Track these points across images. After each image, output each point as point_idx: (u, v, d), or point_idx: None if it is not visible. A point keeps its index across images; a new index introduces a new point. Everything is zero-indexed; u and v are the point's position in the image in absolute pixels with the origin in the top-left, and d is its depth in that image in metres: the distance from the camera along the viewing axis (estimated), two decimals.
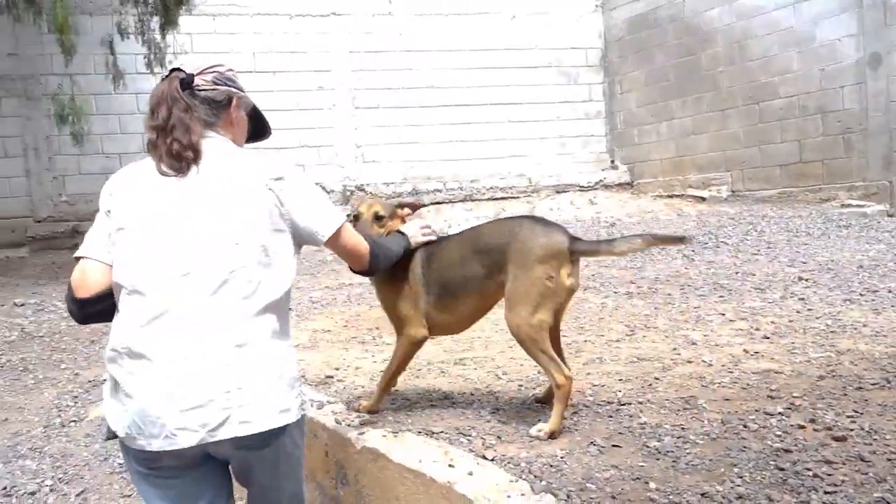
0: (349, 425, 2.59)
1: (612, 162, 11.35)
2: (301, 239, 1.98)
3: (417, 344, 2.74)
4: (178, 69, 2.02)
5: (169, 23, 8.45)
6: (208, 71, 2.02)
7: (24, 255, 8.90)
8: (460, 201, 10.42)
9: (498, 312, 4.64)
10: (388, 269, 2.59)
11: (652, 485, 1.89)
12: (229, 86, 2.06)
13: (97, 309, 1.92)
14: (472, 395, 2.97)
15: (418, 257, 2.71)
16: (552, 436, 2.33)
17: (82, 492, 3.86)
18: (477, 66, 10.90)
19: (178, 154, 1.87)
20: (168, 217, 1.85)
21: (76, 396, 4.80)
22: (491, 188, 10.61)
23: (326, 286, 6.76)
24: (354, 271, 2.33)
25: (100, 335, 5.79)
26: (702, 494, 1.80)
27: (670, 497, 1.80)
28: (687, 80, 10.18)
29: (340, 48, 10.48)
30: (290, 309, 2.07)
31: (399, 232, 2.71)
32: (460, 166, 10.80)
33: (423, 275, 2.69)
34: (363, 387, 3.26)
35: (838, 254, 6.19)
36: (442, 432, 2.43)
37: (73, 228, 9.27)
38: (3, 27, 9.06)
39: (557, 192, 10.68)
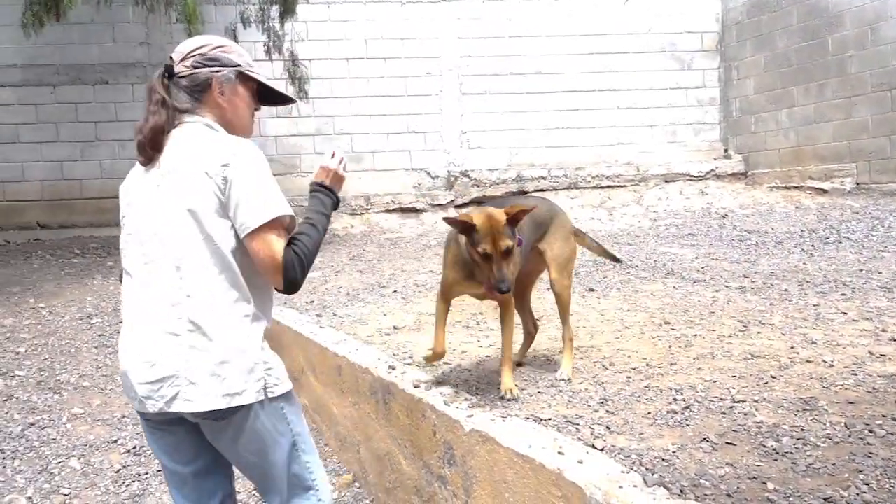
0: (458, 407, 2.64)
1: (726, 151, 10.92)
2: (235, 225, 1.95)
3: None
4: (171, 57, 2.11)
5: (287, 11, 8.76)
6: (190, 55, 2.07)
7: None
8: (564, 189, 10.31)
9: (603, 304, 4.59)
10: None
11: (770, 485, 1.84)
12: (211, 66, 2.07)
13: None
14: (579, 384, 2.97)
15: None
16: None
17: None
18: (586, 52, 10.72)
19: (141, 146, 2.03)
20: (141, 208, 2.04)
21: None
22: (597, 176, 10.44)
23: (431, 270, 6.88)
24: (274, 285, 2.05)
25: None
26: (825, 499, 1.74)
27: (790, 499, 1.75)
28: (810, 66, 9.64)
29: (449, 34, 10.55)
30: (260, 293, 2.06)
31: (323, 189, 2.21)
32: (566, 153, 10.68)
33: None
34: (469, 370, 3.31)
35: None
36: (550, 420, 2.44)
37: None
38: (136, 17, 9.67)
39: (666, 181, 10.39)
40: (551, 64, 10.71)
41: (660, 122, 10.91)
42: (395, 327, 4.71)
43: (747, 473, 1.94)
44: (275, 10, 8.86)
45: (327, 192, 2.19)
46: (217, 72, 2.07)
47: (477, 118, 10.66)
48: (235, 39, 8.62)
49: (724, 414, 2.47)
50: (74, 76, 9.93)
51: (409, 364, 3.48)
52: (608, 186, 10.37)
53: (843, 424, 2.29)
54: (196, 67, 2.06)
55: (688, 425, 2.37)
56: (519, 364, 3.28)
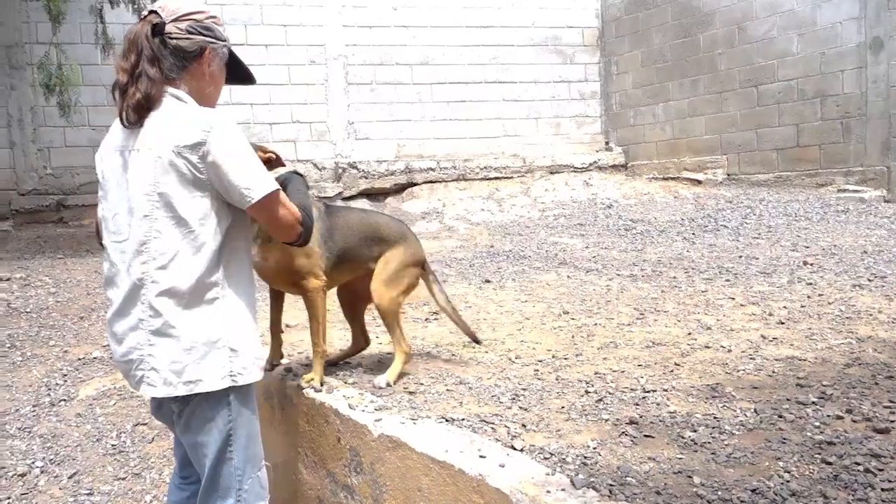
0: (363, 410, 2.47)
1: (607, 143, 11.24)
2: (231, 200, 1.94)
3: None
4: (155, 12, 1.96)
5: None
6: (184, 18, 1.96)
7: (7, 228, 8.66)
8: (454, 181, 10.28)
9: (501, 295, 4.52)
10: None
11: (696, 479, 1.79)
12: (205, 35, 1.99)
13: None
14: (487, 379, 2.87)
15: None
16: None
17: (74, 473, 3.74)
18: (472, 44, 10.72)
19: (137, 106, 1.89)
20: (114, 184, 1.97)
21: (65, 374, 4.66)
22: (485, 168, 10.46)
23: None
24: (286, 242, 2.17)
25: (88, 311, 5.63)
26: (752, 490, 1.71)
27: (718, 493, 1.71)
28: (684, 62, 10.07)
29: (334, 22, 10.25)
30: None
31: (296, 174, 2.41)
32: (454, 145, 10.65)
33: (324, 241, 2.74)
34: (371, 369, 3.14)
35: (840, 238, 6.14)
36: (463, 419, 2.32)
37: (59, 202, 9.04)
38: None
39: (552, 172, 10.57)
40: (438, 55, 10.64)
41: (544, 115, 11.09)
42: (287, 325, 4.46)
43: (671, 468, 1.89)
44: None
45: (300, 177, 2.38)
46: (212, 43, 2.00)
47: (364, 109, 10.43)
48: (102, 20, 8.01)
49: (638, 405, 2.44)
50: None
51: (306, 366, 3.27)
52: (496, 178, 10.41)
53: (752, 410, 2.31)
54: (191, 33, 1.96)
55: (604, 419, 2.31)
56: (336, 363, 3.22)
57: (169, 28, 1.93)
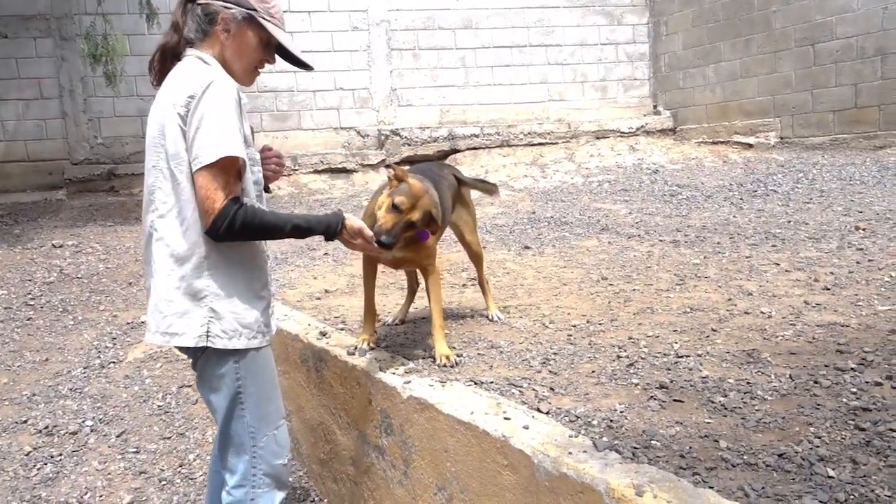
0: (394, 373, 2.49)
1: (655, 107, 10.96)
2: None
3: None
4: None
5: None
6: None
7: (61, 197, 8.93)
8: (497, 147, 10.17)
9: (539, 261, 4.49)
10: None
11: (722, 443, 1.76)
12: (226, 1, 2.05)
13: None
14: (519, 344, 2.86)
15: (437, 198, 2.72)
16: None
17: (122, 432, 3.87)
18: (517, 6, 10.51)
19: (150, 64, 2.10)
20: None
21: (115, 338, 4.81)
22: (528, 133, 10.32)
23: None
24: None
25: (137, 277, 5.78)
26: (779, 455, 1.67)
27: (744, 458, 1.67)
28: (737, 21, 9.71)
29: None
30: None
31: (332, 227, 2.13)
32: (497, 110, 10.53)
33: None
34: (405, 334, 3.16)
35: None
36: (492, 383, 2.32)
37: (110, 171, 9.26)
38: None
39: (597, 137, 10.37)
40: (482, 18, 10.48)
41: (591, 79, 10.86)
42: (326, 291, 4.52)
43: (698, 432, 1.86)
44: None
45: (330, 229, 2.09)
46: (227, 8, 2.04)
47: (407, 75, 10.37)
48: None
49: (669, 370, 2.40)
50: None
51: (342, 329, 3.31)
52: (540, 144, 10.27)
53: (787, 376, 2.25)
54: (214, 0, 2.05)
55: (633, 383, 2.28)
56: (402, 321, 3.37)
57: None
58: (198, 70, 1.98)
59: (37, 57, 9.27)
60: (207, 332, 1.97)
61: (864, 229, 5.00)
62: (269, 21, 2.10)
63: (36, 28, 9.24)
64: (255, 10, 2.07)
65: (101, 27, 7.69)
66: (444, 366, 2.52)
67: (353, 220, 2.15)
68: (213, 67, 2.01)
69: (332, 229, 2.09)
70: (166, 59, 2.05)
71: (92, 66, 7.94)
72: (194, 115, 1.89)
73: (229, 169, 1.90)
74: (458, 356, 2.62)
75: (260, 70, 2.18)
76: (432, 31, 10.37)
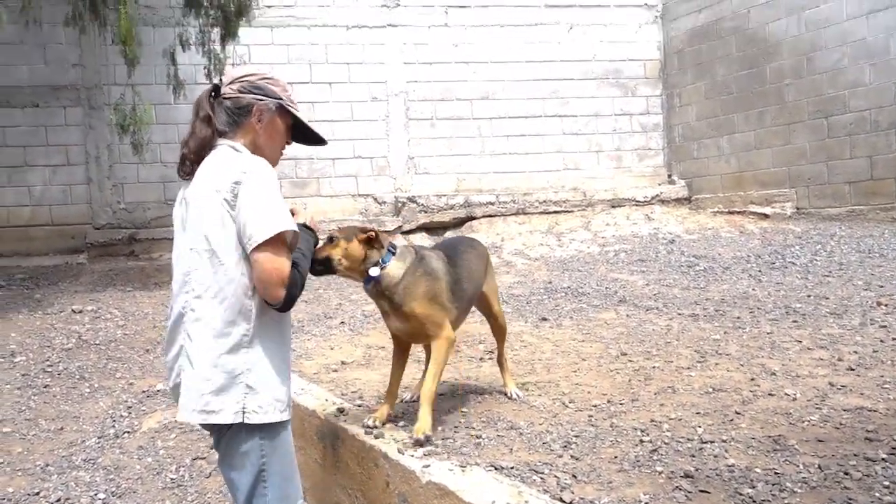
0: (412, 455, 2.46)
1: (670, 176, 11.05)
2: (242, 242, 2.02)
3: (453, 345, 2.83)
4: (220, 79, 2.27)
5: (229, 34, 8.51)
6: (238, 80, 2.20)
7: (82, 261, 9.04)
8: (513, 214, 10.25)
9: (557, 334, 4.46)
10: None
11: None
12: (255, 93, 2.18)
13: None
14: (539, 425, 2.82)
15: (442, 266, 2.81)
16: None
17: None
18: (532, 78, 10.74)
19: (183, 159, 2.15)
20: (177, 226, 2.19)
21: (130, 407, 4.79)
22: (544, 202, 10.41)
23: None
24: (267, 302, 2.03)
25: (154, 344, 5.80)
26: None
27: None
28: (750, 93, 9.86)
29: (395, 59, 10.44)
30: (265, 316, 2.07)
31: (306, 228, 2.28)
32: (513, 179, 10.65)
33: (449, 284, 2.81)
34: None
35: None
36: (512, 468, 2.28)
37: (131, 236, 9.40)
38: (69, 38, 9.28)
39: (612, 206, 10.43)
40: (498, 89, 10.71)
41: (605, 148, 11.00)
42: (342, 362, 4.50)
43: None
44: (216, 33, 8.58)
45: (310, 232, 2.28)
46: (260, 100, 2.17)
47: (424, 144, 10.55)
48: (174, 62, 8.35)
49: (694, 457, 2.35)
50: (2, 99, 9.44)
51: (360, 405, 3.29)
52: (556, 212, 10.34)
53: (816, 466, 2.20)
54: (241, 92, 2.17)
55: (658, 471, 2.24)
56: (419, 398, 3.17)
57: (224, 90, 2.18)
58: (234, 158, 2.10)
59: (65, 125, 9.55)
60: (244, 408, 2.00)
61: (886, 305, 4.95)
62: (291, 107, 2.27)
63: (66, 97, 9.55)
64: (281, 98, 2.23)
65: (130, 98, 7.92)
66: (417, 440, 2.53)
67: (305, 214, 2.32)
68: (245, 154, 2.12)
69: (309, 236, 2.27)
70: (205, 150, 2.13)
71: (120, 135, 8.17)
72: (242, 199, 1.98)
73: (284, 242, 2.02)
74: (427, 438, 2.56)
75: (283, 152, 2.34)
76: (449, 101, 10.59)
